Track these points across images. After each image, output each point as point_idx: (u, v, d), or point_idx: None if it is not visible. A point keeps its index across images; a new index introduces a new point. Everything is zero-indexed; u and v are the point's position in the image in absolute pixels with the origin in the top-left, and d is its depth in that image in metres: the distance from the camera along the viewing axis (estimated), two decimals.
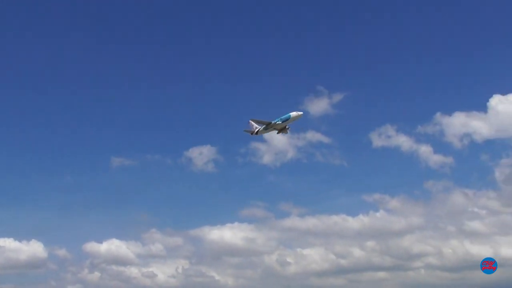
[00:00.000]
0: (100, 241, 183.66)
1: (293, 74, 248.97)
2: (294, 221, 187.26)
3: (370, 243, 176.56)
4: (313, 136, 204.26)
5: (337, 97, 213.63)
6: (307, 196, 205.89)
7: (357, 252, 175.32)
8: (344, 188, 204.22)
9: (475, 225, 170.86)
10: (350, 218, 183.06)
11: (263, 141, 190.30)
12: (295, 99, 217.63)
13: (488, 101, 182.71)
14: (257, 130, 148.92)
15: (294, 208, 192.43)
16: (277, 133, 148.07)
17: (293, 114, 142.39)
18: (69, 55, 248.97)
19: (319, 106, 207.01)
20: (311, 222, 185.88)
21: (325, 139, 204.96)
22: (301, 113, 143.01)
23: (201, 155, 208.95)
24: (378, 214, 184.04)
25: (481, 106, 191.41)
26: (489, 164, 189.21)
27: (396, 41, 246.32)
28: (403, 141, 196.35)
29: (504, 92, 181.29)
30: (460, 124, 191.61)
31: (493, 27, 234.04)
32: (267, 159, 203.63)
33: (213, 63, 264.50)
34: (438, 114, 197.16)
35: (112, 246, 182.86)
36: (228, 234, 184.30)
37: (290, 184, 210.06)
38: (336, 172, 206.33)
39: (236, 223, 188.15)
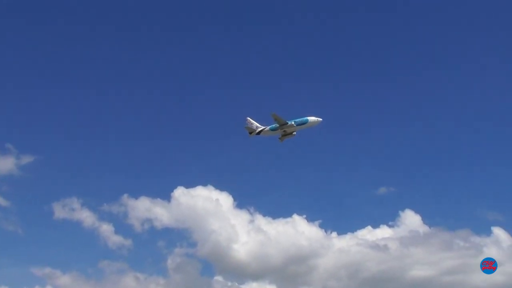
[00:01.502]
0: None
1: None
2: None
3: None
4: None
5: (27, 159, 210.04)
6: None
7: None
8: (13, 258, 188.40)
9: None
10: None
11: None
12: None
13: (172, 191, 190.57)
14: (260, 129, 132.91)
15: None
16: (280, 136, 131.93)
17: (312, 119, 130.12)
18: None
19: (4, 165, 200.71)
20: None
21: (3, 202, 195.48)
22: (321, 119, 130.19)
23: None
24: None
25: (166, 195, 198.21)
26: (164, 251, 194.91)
27: (113, 120, 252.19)
28: (87, 217, 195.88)
29: (187, 186, 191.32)
30: (144, 208, 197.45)
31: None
32: None
33: None
34: (125, 196, 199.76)
35: None
36: None
37: None
38: (8, 239, 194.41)
39: None
